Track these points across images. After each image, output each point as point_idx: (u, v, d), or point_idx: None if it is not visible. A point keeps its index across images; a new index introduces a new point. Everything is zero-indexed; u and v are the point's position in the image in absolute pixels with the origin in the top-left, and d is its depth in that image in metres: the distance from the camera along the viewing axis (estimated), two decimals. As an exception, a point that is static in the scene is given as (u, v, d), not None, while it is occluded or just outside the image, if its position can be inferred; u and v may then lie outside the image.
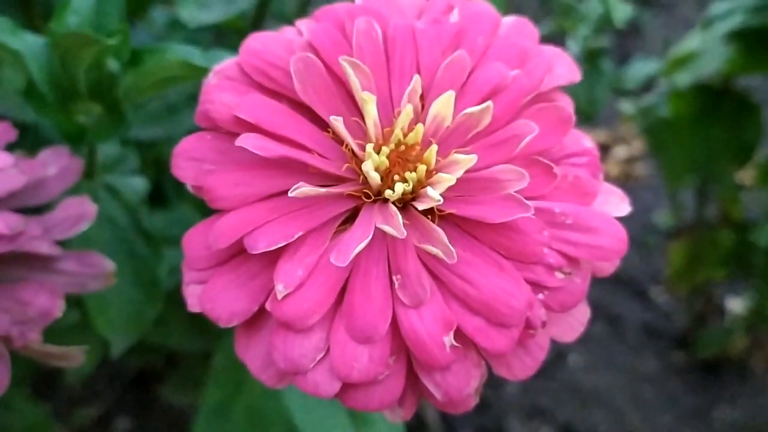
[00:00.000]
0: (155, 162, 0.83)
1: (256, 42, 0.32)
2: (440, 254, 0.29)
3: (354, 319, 0.28)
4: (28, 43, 0.51)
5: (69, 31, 0.48)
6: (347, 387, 0.29)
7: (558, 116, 0.31)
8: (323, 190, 0.29)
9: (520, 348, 0.30)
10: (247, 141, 0.29)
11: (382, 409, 0.29)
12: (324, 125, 0.31)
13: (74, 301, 0.55)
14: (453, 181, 0.29)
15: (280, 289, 0.28)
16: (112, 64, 0.50)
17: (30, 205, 0.47)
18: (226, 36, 0.90)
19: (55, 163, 0.49)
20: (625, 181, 1.47)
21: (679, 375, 1.26)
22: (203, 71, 0.52)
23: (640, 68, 1.07)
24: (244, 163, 0.31)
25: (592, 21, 0.94)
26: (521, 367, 0.30)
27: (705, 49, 0.98)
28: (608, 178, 0.33)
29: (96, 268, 0.46)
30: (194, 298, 0.31)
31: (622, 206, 0.32)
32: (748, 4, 0.88)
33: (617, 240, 0.30)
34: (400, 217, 0.29)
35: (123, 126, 0.52)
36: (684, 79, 1.03)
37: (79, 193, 0.50)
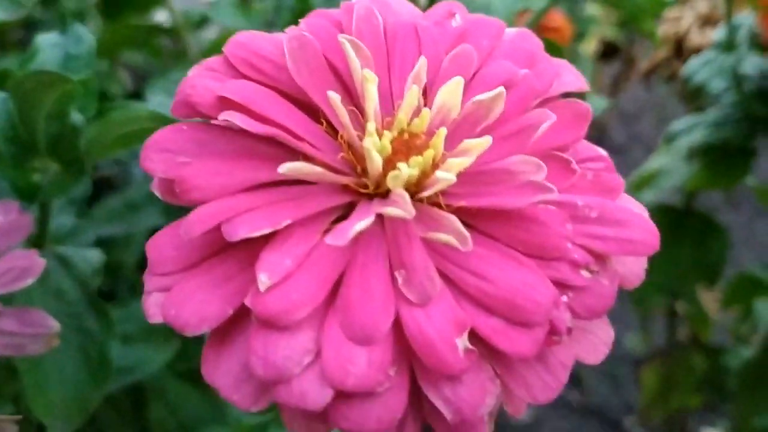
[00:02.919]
0: (110, 265, 0.79)
1: (243, 36, 0.30)
2: (453, 241, 0.25)
3: (351, 315, 0.24)
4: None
5: (30, 72, 0.45)
6: (340, 399, 0.24)
7: (574, 111, 0.29)
8: (319, 169, 0.25)
9: (541, 363, 0.26)
10: (233, 115, 0.26)
11: (380, 431, 0.24)
12: (316, 117, 0.28)
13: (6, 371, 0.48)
14: (466, 164, 0.25)
15: (264, 280, 0.24)
16: (76, 116, 0.47)
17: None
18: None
19: (3, 218, 0.45)
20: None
21: None
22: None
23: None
24: (226, 154, 0.27)
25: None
26: (542, 387, 0.26)
27: (668, 167, 1.00)
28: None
29: (37, 328, 0.41)
30: (156, 307, 0.26)
31: (643, 211, 0.29)
32: (710, 119, 0.90)
33: (648, 232, 0.27)
34: (407, 196, 0.25)
35: (79, 184, 0.49)
36: (648, 197, 1.04)
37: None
